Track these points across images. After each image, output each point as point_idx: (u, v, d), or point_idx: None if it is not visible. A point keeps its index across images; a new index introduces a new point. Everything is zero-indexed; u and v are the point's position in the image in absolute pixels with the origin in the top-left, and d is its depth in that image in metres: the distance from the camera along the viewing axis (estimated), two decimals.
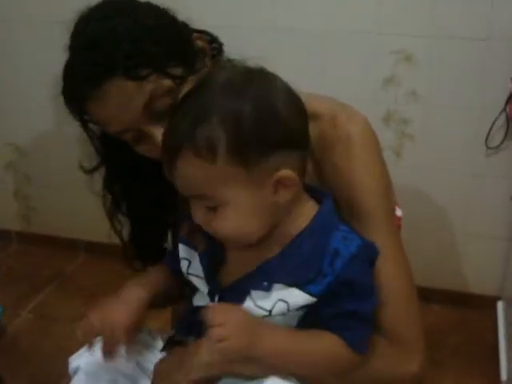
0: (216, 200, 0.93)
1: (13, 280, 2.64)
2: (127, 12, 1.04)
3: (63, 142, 2.58)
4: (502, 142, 2.15)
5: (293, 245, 0.97)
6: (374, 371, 1.03)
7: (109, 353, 1.10)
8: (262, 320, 0.97)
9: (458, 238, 2.38)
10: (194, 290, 1.10)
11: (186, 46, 1.07)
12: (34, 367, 2.14)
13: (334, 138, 1.06)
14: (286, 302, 0.95)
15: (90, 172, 1.23)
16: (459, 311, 2.38)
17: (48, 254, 2.82)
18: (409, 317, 1.05)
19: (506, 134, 2.14)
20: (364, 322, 0.97)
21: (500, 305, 2.33)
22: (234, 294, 1.00)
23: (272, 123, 0.90)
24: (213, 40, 1.14)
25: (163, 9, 1.12)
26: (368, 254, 0.98)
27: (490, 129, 2.14)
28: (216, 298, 1.03)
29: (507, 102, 2.07)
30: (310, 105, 1.06)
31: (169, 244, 1.34)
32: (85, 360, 1.19)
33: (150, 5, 1.10)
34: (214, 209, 0.94)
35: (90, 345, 1.11)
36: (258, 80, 0.94)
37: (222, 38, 1.19)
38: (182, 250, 1.10)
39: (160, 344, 1.20)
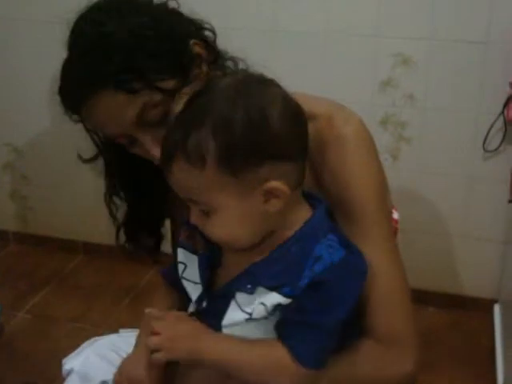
0: (207, 205, 0.94)
1: (10, 280, 2.64)
2: (125, 17, 1.04)
3: (61, 143, 2.59)
4: (499, 146, 2.16)
5: (279, 250, 0.97)
6: (364, 376, 1.03)
7: None
8: (208, 330, 0.99)
9: (455, 241, 2.38)
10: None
11: (181, 57, 1.06)
12: (31, 367, 2.14)
13: (330, 139, 1.06)
14: (265, 304, 0.95)
15: (88, 162, 1.23)
16: (456, 314, 2.38)
17: (45, 255, 2.82)
18: (401, 317, 1.05)
19: (503, 138, 2.14)
20: (321, 336, 0.95)
21: (497, 308, 2.33)
22: (221, 297, 1.00)
23: (263, 134, 0.90)
24: (210, 45, 1.13)
25: (165, 8, 1.12)
26: (351, 268, 0.97)
27: (488, 132, 2.14)
28: (204, 304, 1.04)
29: (505, 106, 2.07)
30: (307, 105, 1.06)
31: (165, 228, 1.34)
32: (78, 362, 1.21)
33: (150, 6, 1.10)
34: (206, 213, 0.95)
35: None
36: (255, 89, 0.93)
37: (222, 39, 1.19)
38: (180, 254, 1.10)
39: None
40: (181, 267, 1.09)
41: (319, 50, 2.21)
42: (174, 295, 1.15)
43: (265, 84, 0.96)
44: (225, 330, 1.00)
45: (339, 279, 0.94)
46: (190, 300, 1.09)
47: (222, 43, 1.18)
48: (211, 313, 1.02)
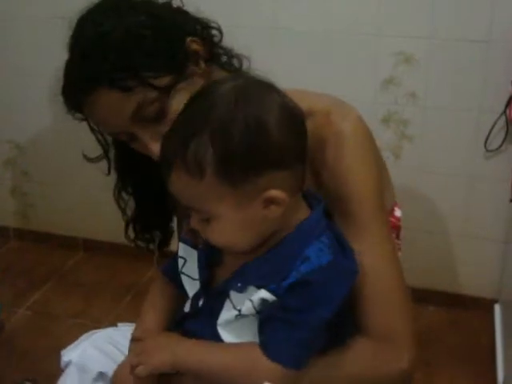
0: (207, 213, 0.94)
1: (11, 277, 2.64)
2: (123, 16, 1.05)
3: (62, 140, 2.59)
4: (501, 145, 2.15)
5: (272, 250, 0.98)
6: (358, 374, 1.03)
7: None
8: (183, 339, 1.03)
9: (456, 240, 2.38)
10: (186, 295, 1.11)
11: (176, 54, 1.07)
12: (31, 364, 2.14)
13: (328, 135, 1.06)
14: (251, 300, 0.96)
15: (94, 161, 1.25)
16: (456, 313, 2.38)
17: (46, 251, 2.82)
18: (397, 315, 1.05)
19: (505, 137, 2.14)
20: (302, 335, 0.95)
21: (497, 307, 2.33)
22: (217, 295, 1.02)
23: (261, 145, 0.90)
24: (208, 43, 1.13)
25: (166, 7, 1.12)
26: (339, 270, 0.97)
27: (490, 131, 2.14)
28: (200, 302, 1.05)
29: (507, 105, 2.07)
30: (306, 102, 1.07)
31: (174, 224, 1.35)
32: (76, 354, 1.23)
33: (150, 5, 1.11)
34: (206, 220, 0.95)
35: None
36: (254, 96, 0.93)
37: (225, 38, 1.19)
38: (181, 249, 1.11)
39: None
40: (181, 262, 1.10)
41: (321, 48, 2.21)
42: (170, 293, 1.16)
43: (264, 90, 0.95)
44: (220, 329, 1.01)
45: (325, 280, 0.95)
46: (187, 296, 1.10)
47: (226, 41, 1.18)
48: (207, 311, 1.03)
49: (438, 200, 2.32)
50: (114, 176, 1.28)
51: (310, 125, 1.06)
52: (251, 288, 0.97)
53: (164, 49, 1.05)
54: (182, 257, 1.10)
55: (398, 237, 1.25)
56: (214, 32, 1.18)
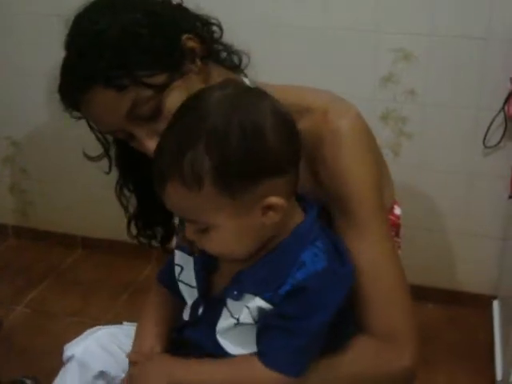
0: (205, 224, 0.94)
1: (9, 274, 2.64)
2: (119, 14, 1.04)
3: (60, 137, 2.58)
4: (499, 142, 2.15)
5: (266, 257, 0.98)
6: (361, 374, 1.03)
7: None
8: (179, 360, 1.03)
9: (454, 237, 2.38)
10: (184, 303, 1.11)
11: (173, 52, 1.06)
12: (30, 361, 2.14)
13: (325, 133, 1.05)
14: (248, 308, 0.96)
15: (94, 160, 1.24)
16: (454, 310, 2.38)
17: (44, 249, 2.82)
18: (399, 314, 1.04)
19: (504, 134, 2.14)
20: (300, 342, 0.95)
21: (495, 304, 2.33)
22: (215, 304, 1.01)
23: (258, 151, 0.89)
24: (205, 40, 1.12)
25: (164, 4, 1.11)
26: (335, 276, 0.97)
27: (488, 128, 2.14)
28: (200, 310, 1.05)
29: (506, 102, 2.07)
30: (303, 99, 1.06)
31: (176, 220, 1.34)
32: (80, 349, 1.22)
33: (147, 2, 1.09)
34: (203, 230, 0.95)
35: None
36: (247, 105, 0.92)
37: (225, 34, 1.18)
38: (178, 256, 1.11)
39: None
40: (177, 269, 1.10)
41: (320, 45, 2.20)
42: (167, 301, 1.16)
43: (255, 97, 0.95)
44: (219, 337, 1.01)
45: (321, 286, 0.94)
46: (185, 303, 1.09)
47: (227, 38, 1.18)
48: (206, 319, 1.03)
49: (437, 197, 2.32)
50: (113, 174, 1.27)
51: (307, 122, 1.05)
52: (247, 295, 0.97)
53: (160, 47, 1.04)
54: (178, 264, 1.10)
55: (397, 235, 1.24)
56: (215, 28, 1.17)
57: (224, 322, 1.00)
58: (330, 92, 1.14)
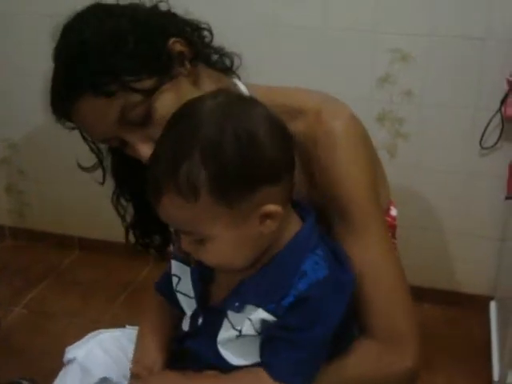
0: (202, 235, 0.93)
1: (6, 275, 2.64)
2: (103, 21, 1.04)
3: (57, 138, 2.57)
4: (496, 143, 2.16)
5: (266, 267, 0.97)
6: (365, 377, 1.03)
7: None
8: (189, 377, 1.01)
9: (451, 238, 2.38)
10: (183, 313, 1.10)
11: (159, 56, 1.05)
12: (28, 362, 2.14)
13: (319, 135, 1.05)
14: (250, 320, 0.95)
15: (88, 170, 1.23)
16: (451, 311, 2.39)
17: (42, 250, 2.82)
18: (401, 315, 1.04)
19: (500, 135, 2.14)
20: (306, 353, 0.95)
21: (493, 305, 2.33)
22: (215, 315, 1.01)
23: (254, 158, 0.88)
24: (192, 43, 1.11)
25: (151, 10, 1.11)
26: (336, 284, 0.96)
27: (485, 129, 2.14)
28: (200, 321, 1.04)
29: (502, 103, 2.07)
30: (297, 100, 1.06)
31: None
32: (82, 353, 1.20)
33: (133, 9, 1.09)
34: (201, 241, 0.94)
35: None
36: (240, 112, 0.92)
37: (219, 34, 1.18)
38: (174, 267, 1.10)
39: None
40: (175, 280, 1.09)
41: (317, 45, 2.20)
42: (166, 311, 1.15)
43: (248, 104, 0.95)
44: (220, 348, 1.00)
45: (323, 295, 0.94)
46: (184, 313, 1.09)
47: (220, 39, 1.18)
48: (206, 330, 1.03)
49: (434, 198, 2.33)
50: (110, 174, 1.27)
51: (300, 124, 1.05)
52: (249, 307, 0.96)
53: (146, 51, 1.03)
54: (175, 275, 1.09)
55: (393, 236, 1.24)
56: (205, 33, 1.16)
57: (225, 333, 0.99)
58: (322, 92, 1.13)
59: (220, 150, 0.87)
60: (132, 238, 1.33)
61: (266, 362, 0.96)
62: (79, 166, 1.24)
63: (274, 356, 0.95)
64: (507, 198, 2.02)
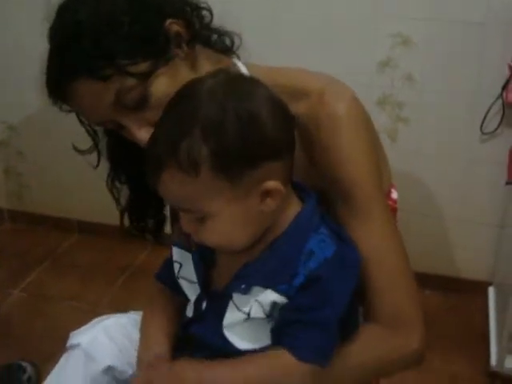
0: (202, 212, 0.92)
1: (5, 258, 2.65)
2: (100, 2, 1.01)
3: (56, 120, 2.56)
4: (497, 128, 2.15)
5: (271, 248, 0.97)
6: (373, 362, 1.03)
7: None
8: (206, 364, 0.99)
9: (450, 223, 2.38)
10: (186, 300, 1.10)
11: (156, 38, 1.03)
12: (26, 345, 2.15)
13: (321, 117, 1.04)
14: (260, 302, 0.95)
15: (84, 153, 1.22)
16: (450, 296, 2.39)
17: (41, 233, 2.82)
18: (406, 299, 1.05)
19: (501, 120, 2.13)
20: (321, 332, 0.95)
21: (491, 290, 2.34)
22: (219, 298, 1.01)
23: (256, 137, 0.89)
24: (190, 24, 1.08)
25: None
26: (345, 261, 0.97)
27: (486, 114, 2.13)
28: (203, 305, 1.04)
29: (503, 88, 2.06)
30: (300, 82, 1.05)
31: (167, 211, 1.33)
32: (86, 339, 1.17)
33: None
34: (201, 219, 0.93)
35: None
36: (241, 90, 0.92)
37: (219, 14, 1.17)
38: (175, 253, 1.10)
39: None
40: (176, 266, 1.09)
41: (318, 29, 2.20)
42: (169, 299, 1.14)
43: (249, 83, 0.95)
44: (226, 332, 1.00)
45: (334, 274, 0.94)
46: (187, 299, 1.08)
47: (220, 19, 1.16)
48: (211, 314, 1.02)
49: (434, 183, 2.32)
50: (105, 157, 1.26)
51: (303, 106, 1.05)
52: (256, 288, 0.96)
53: (141, 34, 1.01)
54: (177, 261, 1.09)
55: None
56: (204, 13, 1.14)
57: (231, 316, 0.99)
58: (326, 74, 1.12)
59: (221, 129, 0.87)
60: (127, 222, 1.32)
61: (288, 345, 0.95)
62: (74, 148, 1.22)
63: (293, 339, 0.95)
64: (507, 183, 2.02)
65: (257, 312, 0.96)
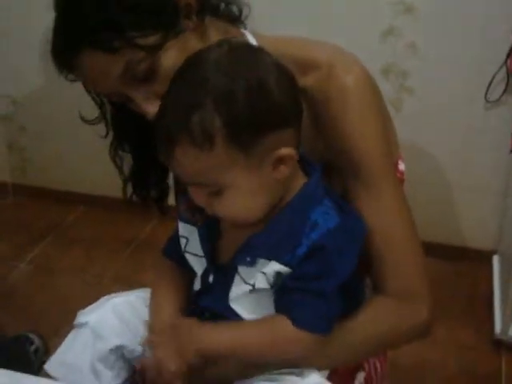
0: (217, 185, 0.92)
1: (10, 232, 2.65)
2: None
3: (60, 94, 2.56)
4: (501, 96, 2.14)
5: (275, 220, 0.97)
6: (383, 335, 1.04)
7: None
8: (207, 326, 1.00)
9: (455, 192, 2.38)
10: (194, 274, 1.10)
11: (164, 9, 1.00)
12: (33, 317, 2.16)
13: (331, 89, 1.04)
14: (264, 273, 0.96)
15: (91, 123, 1.22)
16: (455, 265, 2.39)
17: (45, 207, 2.82)
18: (416, 272, 1.05)
19: (505, 88, 2.12)
20: (324, 301, 0.95)
21: (496, 259, 2.34)
22: (226, 271, 1.01)
23: (266, 104, 0.89)
24: None
25: None
26: (348, 231, 0.97)
27: (490, 82, 2.12)
28: (210, 278, 1.04)
29: (508, 56, 2.05)
30: (309, 53, 1.04)
31: (170, 180, 1.32)
32: (94, 317, 1.14)
33: None
34: (216, 192, 0.93)
35: None
36: (248, 59, 0.92)
37: None
38: (181, 228, 1.10)
39: None
40: (183, 241, 1.09)
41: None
42: (178, 274, 1.14)
43: (254, 52, 0.95)
44: (233, 304, 1.01)
45: (337, 243, 0.95)
46: (194, 273, 1.09)
47: None
48: (218, 287, 1.03)
49: (438, 152, 2.32)
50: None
51: (312, 79, 1.04)
52: (261, 261, 0.96)
53: (150, 5, 0.99)
54: (183, 236, 1.09)
55: None
56: None
57: (237, 288, 0.99)
58: (334, 44, 1.12)
59: (232, 98, 0.87)
60: (129, 191, 1.32)
61: (287, 311, 0.96)
62: (82, 118, 1.22)
63: (292, 306, 0.95)
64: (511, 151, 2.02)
65: (261, 283, 0.96)
